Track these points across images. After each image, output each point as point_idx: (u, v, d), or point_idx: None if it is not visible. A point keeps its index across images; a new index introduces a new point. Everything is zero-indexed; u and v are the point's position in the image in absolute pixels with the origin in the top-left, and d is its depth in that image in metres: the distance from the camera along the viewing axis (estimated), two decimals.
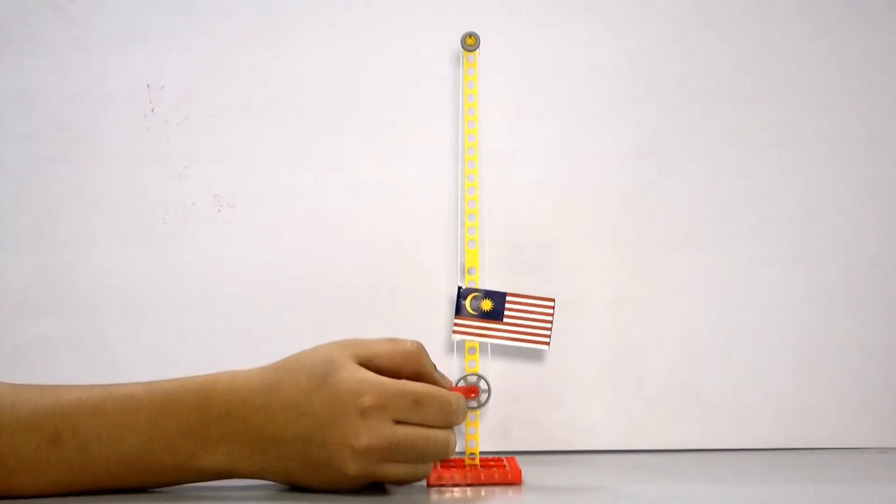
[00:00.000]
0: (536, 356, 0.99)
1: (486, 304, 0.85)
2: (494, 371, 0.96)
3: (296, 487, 0.79)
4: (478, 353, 0.86)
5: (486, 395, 0.88)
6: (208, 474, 0.77)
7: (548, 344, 0.85)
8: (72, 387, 0.78)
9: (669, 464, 0.94)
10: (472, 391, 0.87)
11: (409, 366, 0.79)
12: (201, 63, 0.99)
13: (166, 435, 0.76)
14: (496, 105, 0.98)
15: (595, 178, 1.01)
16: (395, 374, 0.78)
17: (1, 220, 0.97)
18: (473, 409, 0.86)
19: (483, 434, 0.94)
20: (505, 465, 0.85)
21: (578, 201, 1.00)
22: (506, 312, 0.84)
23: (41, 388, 0.77)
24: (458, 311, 0.85)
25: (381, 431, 0.75)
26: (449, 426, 0.78)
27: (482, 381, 0.88)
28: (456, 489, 0.81)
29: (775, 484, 0.86)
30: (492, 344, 0.85)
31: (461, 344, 0.86)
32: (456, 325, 0.85)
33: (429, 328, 0.98)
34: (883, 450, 1.00)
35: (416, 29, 1.00)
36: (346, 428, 0.75)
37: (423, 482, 0.82)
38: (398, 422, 0.76)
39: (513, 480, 0.83)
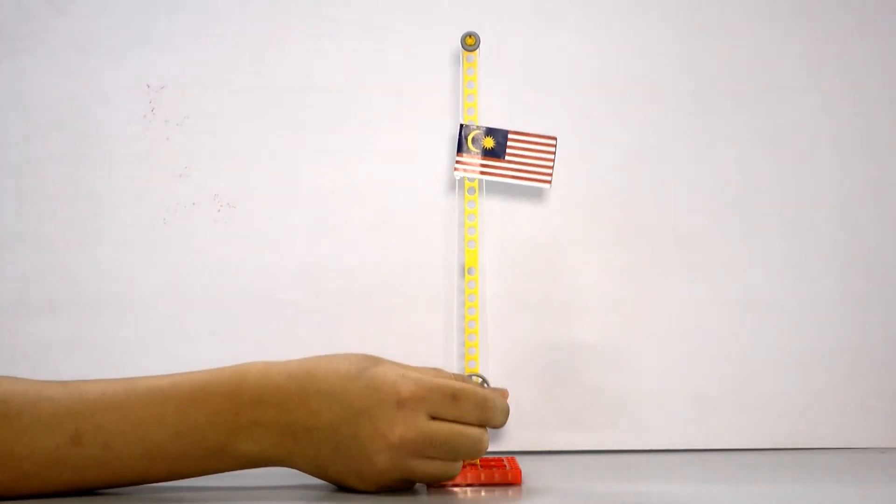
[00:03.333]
0: (537, 357, 0.99)
1: (489, 142, 0.84)
2: (494, 368, 0.96)
3: (310, 482, 0.79)
4: (478, 354, 0.86)
5: None
6: (238, 462, 0.76)
7: (549, 182, 0.83)
8: (95, 382, 0.76)
9: (670, 464, 0.94)
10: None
11: None
12: (201, 63, 0.99)
13: (195, 426, 0.75)
14: (496, 105, 0.98)
15: (595, 178, 1.01)
16: None
17: (1, 220, 0.97)
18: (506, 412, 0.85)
19: None
20: (505, 465, 0.85)
21: (578, 201, 1.00)
22: (508, 150, 0.83)
23: (64, 384, 0.76)
24: (460, 148, 0.84)
25: (415, 424, 0.75)
26: (484, 424, 0.77)
27: (483, 381, 0.88)
28: (456, 489, 0.81)
29: (775, 484, 0.86)
30: (494, 182, 0.84)
31: (461, 182, 0.85)
32: (458, 162, 0.84)
33: (428, 328, 0.98)
34: (883, 450, 1.00)
35: (416, 29, 1.00)
36: (380, 418, 0.75)
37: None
38: (433, 417, 0.76)
39: (513, 480, 0.83)
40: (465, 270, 0.89)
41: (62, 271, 0.97)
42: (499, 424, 0.79)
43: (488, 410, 0.77)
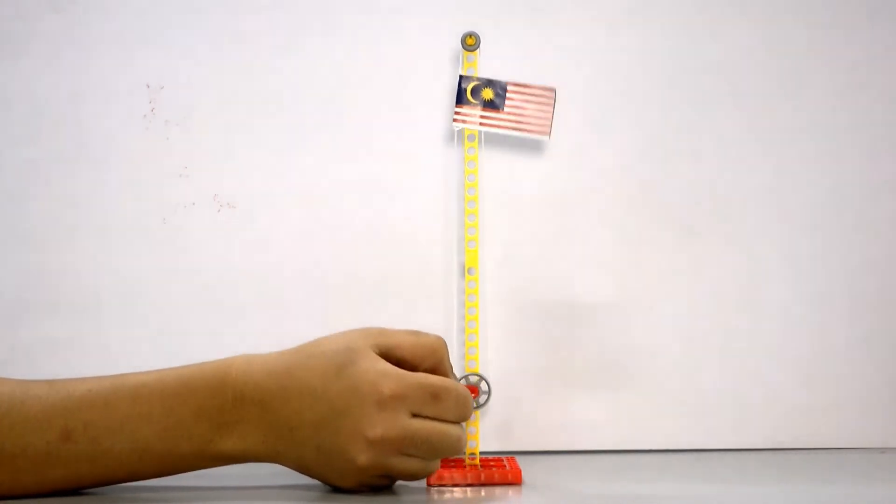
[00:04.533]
0: (537, 358, 0.99)
1: (487, 93, 0.84)
2: (494, 370, 0.96)
3: (307, 481, 0.79)
4: (478, 354, 0.86)
5: (487, 395, 0.88)
6: (224, 459, 0.77)
7: (548, 134, 0.83)
8: (82, 380, 0.77)
9: (669, 464, 0.94)
10: (473, 391, 0.86)
11: (429, 360, 0.78)
12: (201, 63, 0.99)
13: (181, 421, 0.75)
14: None
15: (595, 178, 1.01)
16: (414, 366, 0.78)
17: (1, 220, 0.97)
18: (473, 409, 0.86)
19: (483, 434, 0.94)
20: (505, 465, 0.85)
21: (578, 201, 1.00)
22: (507, 102, 0.83)
23: (51, 382, 0.77)
24: (460, 99, 0.84)
25: (397, 423, 0.75)
26: (462, 421, 0.78)
27: (483, 381, 0.88)
28: (456, 489, 0.81)
29: (775, 484, 0.86)
30: (492, 133, 0.84)
31: (461, 133, 0.84)
32: (457, 113, 0.84)
33: (427, 328, 0.98)
34: (883, 450, 1.00)
35: (416, 28, 1.00)
36: (361, 417, 0.75)
37: (424, 481, 0.82)
38: (414, 415, 0.76)
39: (513, 480, 0.83)
40: (466, 270, 0.89)
41: (62, 271, 0.97)
42: (468, 419, 0.79)
43: (467, 409, 0.78)
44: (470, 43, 0.88)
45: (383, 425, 0.74)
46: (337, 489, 0.78)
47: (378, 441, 0.74)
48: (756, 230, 1.01)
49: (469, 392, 0.78)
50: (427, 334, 0.80)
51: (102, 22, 0.99)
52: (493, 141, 0.97)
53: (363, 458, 0.75)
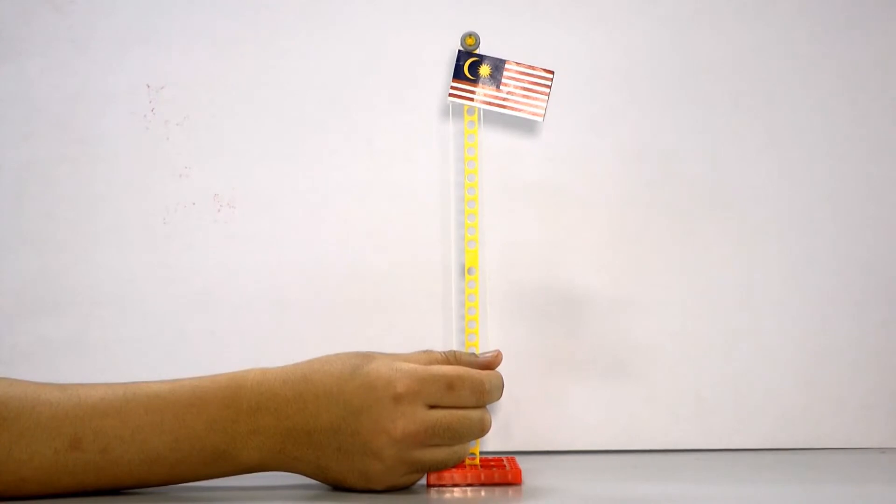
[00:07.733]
0: (537, 358, 0.99)
1: (485, 70, 0.83)
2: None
3: (306, 481, 0.79)
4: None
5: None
6: (238, 469, 0.77)
7: (542, 116, 0.83)
8: (94, 386, 0.76)
9: (669, 464, 0.94)
10: None
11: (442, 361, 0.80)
12: (201, 63, 0.99)
13: (194, 433, 0.75)
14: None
15: (595, 178, 1.01)
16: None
17: (1, 220, 0.97)
18: (501, 389, 0.85)
19: None
20: (505, 465, 0.85)
21: (578, 201, 1.00)
22: (503, 80, 0.82)
23: (63, 387, 0.76)
24: (457, 74, 0.83)
25: (416, 416, 0.75)
26: (483, 405, 0.78)
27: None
28: (456, 489, 0.81)
29: (775, 484, 0.86)
30: (486, 110, 0.83)
31: (458, 108, 0.84)
32: (452, 87, 0.83)
33: (427, 328, 0.98)
34: (883, 450, 1.00)
35: (416, 29, 1.00)
36: (380, 415, 0.75)
37: (424, 481, 0.82)
38: (432, 406, 0.76)
39: (513, 480, 0.83)
40: (466, 270, 0.89)
41: (62, 271, 0.97)
42: (495, 401, 0.80)
43: (485, 393, 0.78)
44: (470, 43, 0.88)
45: (403, 420, 0.75)
46: (352, 491, 0.77)
47: (400, 436, 0.75)
48: (756, 230, 1.01)
49: (490, 375, 0.79)
50: (438, 353, 0.81)
51: (102, 22, 0.99)
52: (493, 140, 0.97)
53: (389, 454, 0.75)
